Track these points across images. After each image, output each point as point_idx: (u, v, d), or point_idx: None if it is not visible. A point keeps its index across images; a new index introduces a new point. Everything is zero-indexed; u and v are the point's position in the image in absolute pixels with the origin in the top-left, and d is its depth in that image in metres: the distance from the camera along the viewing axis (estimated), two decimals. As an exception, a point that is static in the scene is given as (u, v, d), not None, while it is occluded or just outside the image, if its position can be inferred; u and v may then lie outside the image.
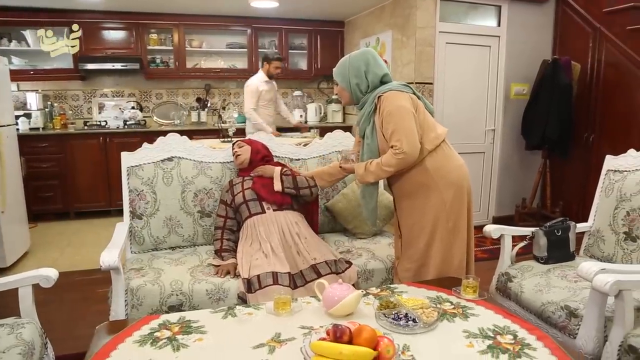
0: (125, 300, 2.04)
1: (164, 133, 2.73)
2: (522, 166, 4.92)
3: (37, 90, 5.24)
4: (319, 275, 2.11)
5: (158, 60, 5.66)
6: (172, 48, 5.63)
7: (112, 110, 5.67)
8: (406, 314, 1.59)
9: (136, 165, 2.56)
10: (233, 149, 2.63)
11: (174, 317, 1.67)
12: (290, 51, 5.99)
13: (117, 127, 5.39)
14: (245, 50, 5.87)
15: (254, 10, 5.34)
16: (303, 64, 6.16)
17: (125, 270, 2.21)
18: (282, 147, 2.86)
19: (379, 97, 2.10)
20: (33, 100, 5.09)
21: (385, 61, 4.70)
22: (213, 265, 2.29)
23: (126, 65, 5.34)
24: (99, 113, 5.66)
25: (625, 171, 2.38)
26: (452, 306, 1.73)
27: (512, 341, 1.48)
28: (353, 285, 2.03)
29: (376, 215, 2.37)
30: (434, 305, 1.70)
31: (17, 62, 5.11)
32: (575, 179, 4.56)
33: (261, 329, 1.56)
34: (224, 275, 2.18)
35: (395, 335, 1.49)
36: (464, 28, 4.54)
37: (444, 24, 4.44)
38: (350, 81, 2.17)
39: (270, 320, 1.64)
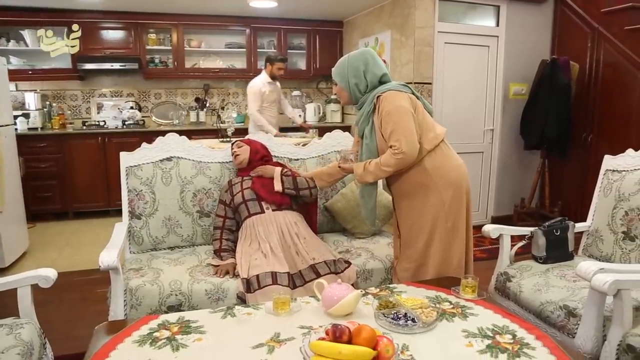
0: (124, 301, 2.04)
1: (162, 133, 2.73)
2: (521, 166, 4.93)
3: (36, 90, 5.24)
4: (318, 275, 2.11)
5: (157, 60, 5.65)
6: (170, 48, 5.62)
7: (111, 110, 5.67)
8: (405, 313, 1.60)
9: (135, 165, 2.55)
10: (232, 148, 2.63)
11: (173, 317, 1.67)
12: (289, 51, 5.99)
13: (116, 127, 5.38)
14: (244, 50, 5.86)
15: (253, 10, 5.34)
16: (302, 64, 6.16)
17: (124, 270, 2.21)
18: (281, 147, 2.86)
19: (378, 97, 2.10)
20: (31, 100, 5.08)
21: (384, 61, 4.71)
22: (212, 265, 2.29)
23: (125, 65, 5.33)
24: (98, 113, 5.65)
25: (624, 171, 2.39)
26: (451, 306, 1.74)
27: (511, 341, 1.48)
28: (352, 285, 2.04)
29: (375, 215, 2.37)
30: (433, 305, 1.71)
31: (16, 62, 5.10)
32: (573, 179, 4.57)
33: (260, 329, 1.56)
34: (223, 275, 2.18)
35: (395, 334, 1.49)
36: (462, 28, 4.55)
37: (442, 24, 4.44)
38: (349, 81, 2.17)
39: (269, 320, 1.64)
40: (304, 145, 2.98)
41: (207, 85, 5.98)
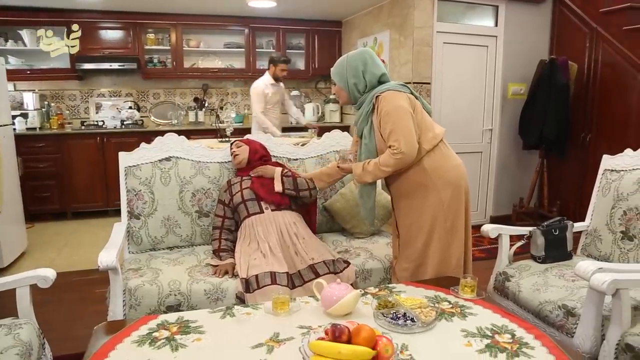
0: (123, 301, 2.04)
1: (161, 133, 2.73)
2: (520, 166, 4.94)
3: (34, 90, 5.23)
4: (317, 275, 2.11)
5: (155, 60, 5.65)
6: (169, 48, 5.62)
7: (110, 110, 5.66)
8: (404, 313, 1.60)
9: (134, 165, 2.55)
10: (231, 148, 2.63)
11: (172, 317, 1.66)
12: (287, 51, 5.98)
13: (115, 127, 5.37)
14: (243, 50, 5.86)
15: (252, 10, 5.34)
16: (301, 64, 6.16)
17: (123, 270, 2.21)
18: (279, 147, 2.86)
19: (377, 97, 2.10)
20: (30, 100, 5.07)
21: (383, 61, 4.72)
22: (211, 265, 2.29)
23: (123, 65, 5.33)
24: (96, 113, 5.65)
25: (622, 171, 2.39)
26: (450, 305, 1.74)
27: (510, 340, 1.48)
28: (351, 284, 2.04)
29: (374, 215, 2.37)
30: (432, 305, 1.71)
31: (14, 62, 5.09)
32: (572, 179, 4.58)
33: (260, 328, 1.56)
34: (222, 275, 2.18)
35: (394, 334, 1.49)
36: (461, 28, 4.55)
37: (441, 24, 4.44)
38: (348, 81, 2.17)
39: (268, 320, 1.64)
40: (302, 145, 2.98)
41: (205, 85, 5.97)
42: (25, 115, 4.96)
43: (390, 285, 1.97)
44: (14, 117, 4.59)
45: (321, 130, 3.91)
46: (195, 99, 5.93)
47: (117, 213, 2.74)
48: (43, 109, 5.25)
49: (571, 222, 2.41)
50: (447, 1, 4.44)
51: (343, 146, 2.89)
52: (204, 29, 5.78)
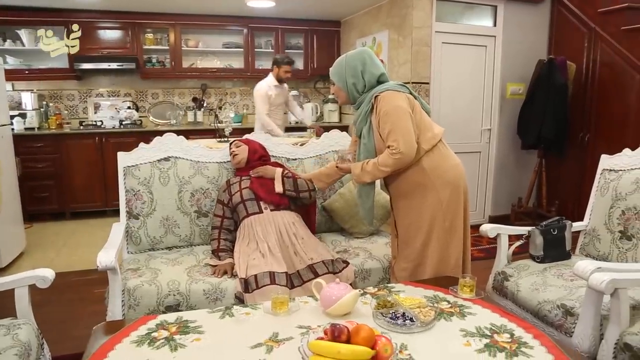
0: (122, 301, 2.04)
1: (160, 133, 2.72)
2: (518, 165, 4.94)
3: (32, 90, 5.22)
4: (316, 275, 2.10)
5: (154, 60, 5.64)
6: (168, 48, 5.61)
7: (108, 110, 5.65)
8: (403, 313, 1.60)
9: (133, 165, 2.55)
10: (230, 148, 2.63)
11: (171, 317, 1.66)
12: (286, 51, 5.98)
13: (113, 127, 5.37)
14: (242, 50, 5.85)
15: (250, 10, 5.33)
16: (299, 64, 6.15)
17: (122, 270, 2.20)
18: (278, 147, 2.86)
19: (375, 97, 2.10)
20: (28, 100, 5.06)
21: (382, 61, 4.71)
22: (210, 265, 2.28)
23: (122, 65, 5.32)
24: (95, 113, 5.64)
25: (621, 170, 2.40)
26: (449, 305, 1.74)
27: (509, 340, 1.48)
28: (350, 284, 2.03)
29: (373, 214, 2.37)
30: (431, 305, 1.71)
31: (12, 62, 5.08)
32: (570, 178, 4.59)
33: (259, 328, 1.56)
34: (221, 275, 2.18)
35: (393, 334, 1.49)
36: (460, 28, 4.55)
37: (440, 24, 4.44)
38: (347, 81, 2.17)
39: (267, 320, 1.64)
40: (301, 145, 2.98)
41: (204, 85, 5.97)
42: (23, 115, 4.95)
43: (389, 285, 1.98)
44: (12, 117, 4.58)
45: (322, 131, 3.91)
46: (194, 99, 5.92)
47: (115, 213, 2.73)
48: (41, 109, 5.24)
49: (570, 222, 2.42)
50: (446, 1, 4.45)
51: (342, 146, 2.89)
52: (203, 29, 5.78)
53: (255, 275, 2.04)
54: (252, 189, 2.42)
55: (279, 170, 2.50)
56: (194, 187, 2.59)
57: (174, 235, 2.55)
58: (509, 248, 2.41)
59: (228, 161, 2.70)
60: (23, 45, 5.12)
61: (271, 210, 2.38)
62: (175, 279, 2.14)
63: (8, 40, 5.09)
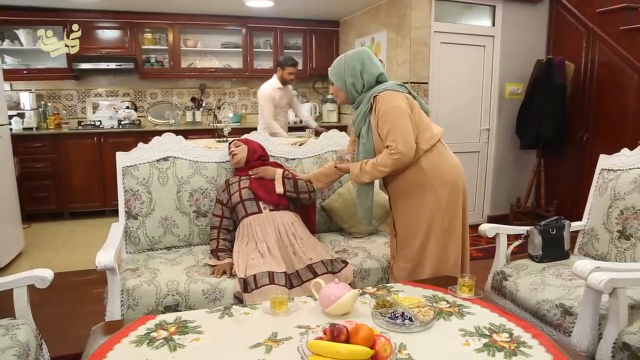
0: (121, 301, 2.04)
1: (158, 133, 2.72)
2: (517, 165, 4.95)
3: (31, 90, 5.21)
4: (315, 275, 2.10)
5: (153, 60, 5.64)
6: (166, 48, 5.61)
7: (107, 110, 5.65)
8: (402, 312, 1.60)
9: (131, 165, 2.55)
10: (229, 148, 2.63)
11: (170, 317, 1.66)
12: (285, 51, 5.99)
13: (112, 127, 5.36)
14: (240, 49, 5.85)
15: (249, 10, 5.33)
16: (298, 64, 6.14)
17: (120, 270, 2.20)
18: (277, 146, 2.86)
19: (374, 97, 2.10)
20: (26, 100, 5.05)
21: (381, 61, 4.71)
22: (209, 265, 2.28)
23: (120, 65, 5.32)
24: (93, 113, 5.63)
25: (619, 170, 2.40)
26: (448, 305, 1.74)
27: (508, 339, 1.49)
28: (349, 284, 2.03)
29: (372, 214, 2.37)
30: (430, 304, 1.71)
31: (10, 62, 5.07)
32: (569, 178, 4.59)
33: (258, 328, 1.56)
34: (220, 275, 2.18)
35: (392, 334, 1.49)
36: (458, 28, 4.56)
37: (438, 24, 4.45)
38: (346, 81, 2.17)
39: (266, 319, 1.64)
40: (300, 145, 2.98)
41: (203, 85, 5.96)
42: (21, 115, 4.94)
43: (388, 284, 1.98)
44: (10, 117, 4.57)
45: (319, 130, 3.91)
46: (193, 99, 5.92)
47: (114, 213, 2.73)
48: (40, 109, 5.23)
49: (568, 222, 2.42)
50: (445, 1, 4.45)
51: (341, 146, 2.89)
52: (201, 29, 5.77)
53: (254, 275, 2.04)
54: (251, 189, 2.42)
55: (280, 171, 2.49)
56: (193, 187, 2.59)
57: (172, 235, 2.55)
58: (507, 248, 2.42)
59: (227, 161, 2.70)
60: (21, 45, 5.11)
61: (270, 210, 2.38)
62: (174, 279, 2.14)
63: (6, 40, 5.07)
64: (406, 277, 2.18)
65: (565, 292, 1.98)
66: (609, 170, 2.46)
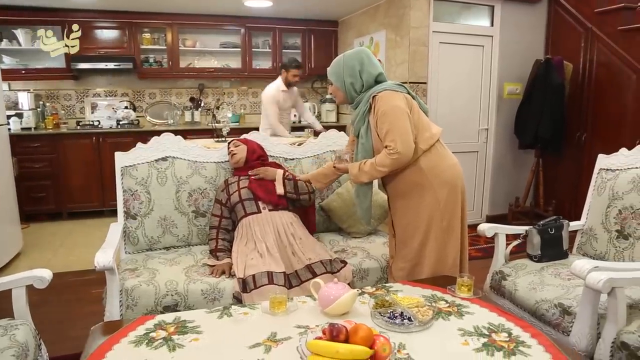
0: (120, 301, 2.04)
1: (157, 133, 2.72)
2: (515, 165, 4.96)
3: (29, 90, 5.20)
4: (314, 275, 2.11)
5: (151, 60, 5.63)
6: (165, 47, 5.60)
7: (105, 110, 5.64)
8: (401, 312, 1.60)
9: (130, 165, 2.55)
10: (229, 147, 2.63)
11: (169, 317, 1.66)
12: (284, 51, 5.99)
13: (110, 127, 5.35)
14: (239, 49, 5.85)
15: (248, 10, 5.33)
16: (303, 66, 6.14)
17: (119, 270, 2.20)
18: (276, 146, 2.86)
19: (373, 96, 2.10)
20: (25, 100, 5.04)
21: (379, 61, 4.71)
22: (208, 265, 2.28)
23: (119, 65, 5.31)
24: (92, 113, 5.62)
25: (617, 170, 2.41)
26: (447, 304, 1.74)
27: (507, 339, 1.49)
28: (348, 284, 2.03)
29: (370, 214, 2.37)
30: (429, 304, 1.72)
31: (8, 62, 5.06)
32: (567, 178, 4.60)
33: (257, 328, 1.56)
34: (219, 275, 2.18)
35: (391, 333, 1.50)
36: (457, 28, 4.56)
37: (437, 24, 4.45)
38: (345, 80, 2.17)
39: (266, 319, 1.64)
40: (299, 145, 2.98)
41: (201, 85, 5.96)
42: (20, 115, 4.93)
43: (387, 284, 1.98)
44: (8, 117, 4.56)
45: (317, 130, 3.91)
46: (192, 99, 5.91)
47: (113, 213, 2.73)
48: (38, 109, 5.22)
49: (567, 221, 2.42)
50: (443, 1, 4.45)
51: (339, 146, 2.89)
52: (200, 29, 5.77)
53: (253, 275, 2.04)
54: (251, 189, 2.42)
55: (280, 172, 2.49)
56: (192, 187, 2.59)
57: (171, 235, 2.55)
58: (506, 247, 2.42)
59: (226, 161, 2.70)
60: (20, 45, 5.10)
61: (269, 210, 2.38)
62: (173, 279, 2.13)
63: (4, 39, 5.06)
64: (405, 277, 2.18)
65: (563, 291, 1.98)
66: (608, 170, 2.47)
